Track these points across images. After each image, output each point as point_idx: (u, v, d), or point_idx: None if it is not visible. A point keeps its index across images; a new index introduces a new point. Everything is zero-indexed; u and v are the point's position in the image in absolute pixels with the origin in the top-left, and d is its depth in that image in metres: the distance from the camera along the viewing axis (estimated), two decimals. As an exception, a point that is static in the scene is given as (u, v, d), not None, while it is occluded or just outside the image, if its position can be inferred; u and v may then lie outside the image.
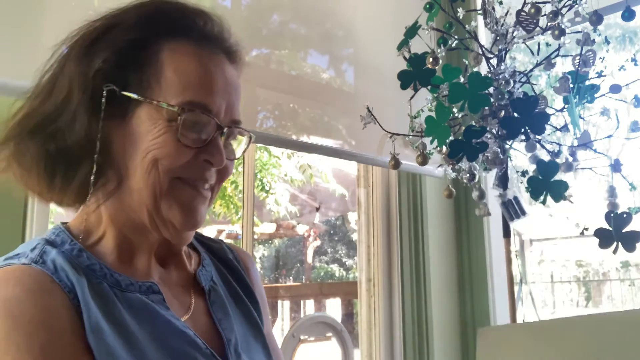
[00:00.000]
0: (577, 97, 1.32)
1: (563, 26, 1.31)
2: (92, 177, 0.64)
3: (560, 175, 1.27)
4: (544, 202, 1.25)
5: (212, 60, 0.69)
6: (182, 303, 0.72)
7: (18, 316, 0.55)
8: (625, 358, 0.63)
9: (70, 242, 0.65)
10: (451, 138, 1.31)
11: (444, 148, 1.39)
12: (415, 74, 1.41)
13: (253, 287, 0.83)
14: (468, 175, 1.43)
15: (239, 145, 0.75)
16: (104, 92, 0.64)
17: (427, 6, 1.44)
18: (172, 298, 0.71)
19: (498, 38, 1.41)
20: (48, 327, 0.56)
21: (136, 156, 0.65)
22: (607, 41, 1.41)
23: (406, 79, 1.42)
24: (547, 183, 1.25)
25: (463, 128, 1.35)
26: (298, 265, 10.56)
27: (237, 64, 0.74)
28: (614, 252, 1.21)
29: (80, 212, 0.70)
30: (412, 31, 1.44)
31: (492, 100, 1.35)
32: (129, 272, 0.67)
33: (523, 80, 1.40)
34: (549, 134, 1.38)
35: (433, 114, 1.32)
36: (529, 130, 1.30)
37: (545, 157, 1.35)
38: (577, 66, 1.33)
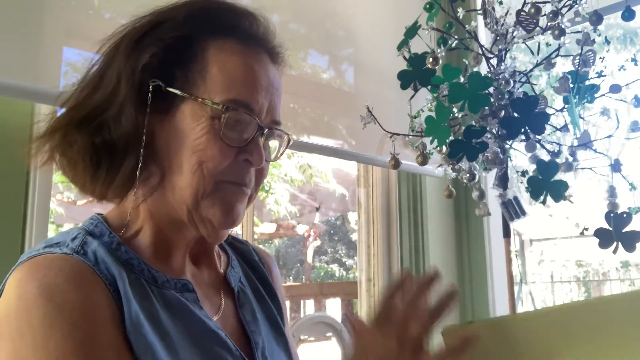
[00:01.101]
0: (577, 97, 1.32)
1: (563, 26, 1.31)
2: (137, 172, 0.65)
3: (560, 175, 1.27)
4: (544, 202, 1.25)
5: (257, 60, 0.70)
6: (213, 303, 0.72)
7: (61, 304, 0.56)
8: (586, 350, 0.63)
9: (109, 235, 0.65)
10: (451, 138, 1.31)
11: (444, 148, 1.39)
12: (415, 74, 1.41)
13: (276, 290, 0.84)
14: (468, 175, 1.43)
15: (276, 147, 0.75)
16: (150, 87, 0.65)
17: (427, 6, 1.44)
18: (203, 297, 0.71)
19: (498, 38, 1.41)
20: (91, 318, 0.56)
21: (180, 153, 0.66)
22: (607, 41, 1.41)
23: (406, 79, 1.42)
24: (547, 183, 1.25)
25: (463, 128, 1.35)
26: (298, 265, 10.56)
27: (280, 65, 0.75)
28: (614, 252, 1.21)
29: (118, 205, 0.70)
30: (412, 31, 1.44)
31: (492, 100, 1.35)
32: (164, 268, 0.67)
33: (523, 80, 1.40)
34: (549, 134, 1.38)
35: (433, 114, 1.32)
36: (529, 130, 1.30)
37: (545, 157, 1.35)
38: (577, 66, 1.33)
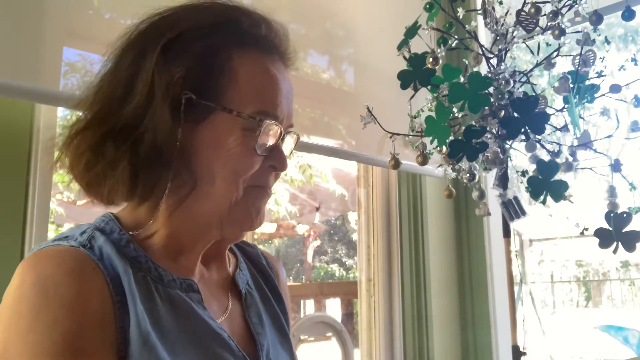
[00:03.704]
0: (577, 97, 1.32)
1: (563, 26, 1.31)
2: (168, 184, 0.65)
3: (560, 175, 1.27)
4: (544, 202, 1.25)
5: (276, 68, 0.72)
6: (220, 304, 0.73)
7: (52, 297, 0.56)
8: None
9: (119, 232, 0.66)
10: (451, 138, 1.31)
11: (444, 148, 1.38)
12: (415, 74, 1.41)
13: (282, 294, 0.85)
14: (468, 175, 1.43)
15: (288, 145, 0.77)
16: (183, 100, 0.65)
17: (427, 6, 1.44)
18: (210, 298, 0.72)
19: (498, 38, 1.41)
20: (76, 316, 0.57)
21: (213, 164, 0.67)
22: (607, 41, 1.41)
23: (406, 79, 1.42)
24: (547, 183, 1.25)
25: (463, 128, 1.35)
26: (298, 265, 10.56)
27: (290, 68, 0.76)
28: (614, 252, 1.21)
29: (133, 207, 0.70)
30: (412, 31, 1.44)
31: (492, 100, 1.35)
32: (171, 267, 0.68)
33: (523, 80, 1.40)
34: (549, 134, 1.38)
35: (433, 114, 1.32)
36: (529, 130, 1.30)
37: (545, 157, 1.35)
38: (577, 66, 1.33)
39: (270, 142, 0.69)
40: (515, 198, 1.44)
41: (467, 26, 1.42)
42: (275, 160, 0.71)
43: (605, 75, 1.34)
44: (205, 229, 0.70)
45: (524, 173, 1.44)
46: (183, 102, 0.65)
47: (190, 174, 0.67)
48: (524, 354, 1.45)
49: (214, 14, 0.69)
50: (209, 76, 0.67)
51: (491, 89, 1.34)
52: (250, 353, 0.71)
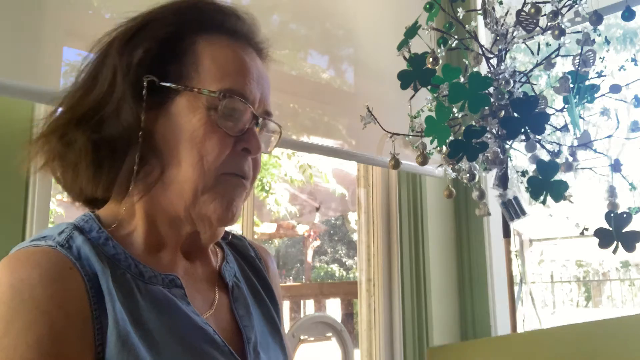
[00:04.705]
0: (577, 97, 1.32)
1: (563, 26, 1.31)
2: (135, 167, 0.65)
3: (560, 175, 1.27)
4: (544, 202, 1.25)
5: (246, 53, 0.72)
6: (206, 298, 0.72)
7: (26, 300, 0.55)
8: None
9: (98, 230, 0.65)
10: (451, 138, 1.31)
11: (444, 148, 1.38)
12: (415, 74, 1.41)
13: (272, 286, 0.84)
14: (468, 175, 1.43)
15: (269, 140, 0.77)
16: (145, 83, 0.66)
17: (427, 6, 1.44)
18: (195, 293, 0.70)
19: (498, 38, 1.41)
20: (52, 319, 0.55)
21: (179, 147, 0.66)
22: (607, 41, 1.41)
23: (406, 79, 1.42)
24: (547, 183, 1.25)
25: (463, 128, 1.35)
26: (298, 265, 10.56)
27: (265, 61, 0.77)
28: (614, 252, 1.21)
29: (113, 203, 0.70)
30: (412, 31, 1.44)
31: (492, 100, 1.35)
32: (153, 263, 0.67)
33: (523, 80, 1.40)
34: (549, 134, 1.38)
35: (433, 114, 1.32)
36: (529, 130, 1.30)
37: (545, 157, 1.35)
38: (577, 66, 1.33)
39: (241, 123, 0.68)
40: (515, 198, 1.44)
41: (467, 26, 1.42)
42: (247, 142, 0.69)
43: (605, 76, 1.34)
44: (176, 222, 0.69)
45: (524, 173, 1.44)
46: (145, 86, 0.66)
47: (158, 159, 0.67)
48: (524, 354, 1.45)
49: (180, 6, 0.71)
50: (172, 60, 0.68)
51: (491, 89, 1.34)
52: (237, 346, 0.70)
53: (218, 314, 0.71)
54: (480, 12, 1.45)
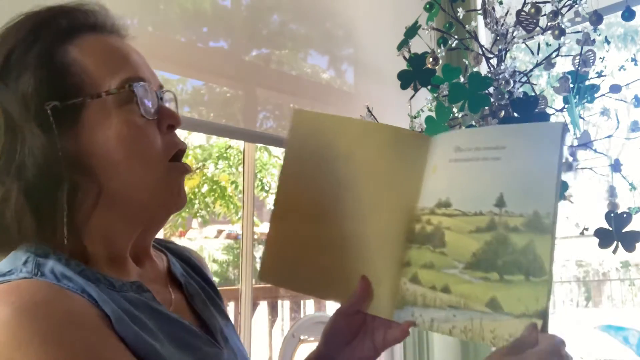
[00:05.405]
0: (577, 97, 1.32)
1: (563, 26, 1.31)
2: (64, 196, 0.61)
3: (560, 175, 1.27)
4: (544, 202, 1.25)
5: (114, 40, 0.70)
6: (164, 299, 0.71)
7: (48, 316, 0.52)
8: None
9: (55, 252, 0.61)
10: (477, 126, 1.31)
11: (444, 148, 1.38)
12: (415, 74, 1.41)
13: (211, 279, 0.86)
14: (468, 175, 1.43)
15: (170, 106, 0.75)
16: (49, 111, 0.62)
17: (427, 6, 1.45)
18: (155, 294, 0.70)
19: (498, 38, 1.41)
20: (81, 324, 0.54)
21: (112, 156, 0.64)
22: (607, 41, 1.41)
23: (406, 79, 1.42)
24: (547, 183, 1.25)
25: (463, 128, 1.35)
26: (298, 265, 10.54)
27: (127, 38, 0.74)
28: (614, 252, 1.21)
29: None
30: (412, 31, 1.44)
31: (492, 100, 1.35)
32: (116, 274, 0.66)
33: (523, 80, 1.40)
34: (549, 134, 1.38)
35: (433, 114, 1.32)
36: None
37: (545, 157, 1.35)
38: (577, 66, 1.33)
39: (152, 104, 0.67)
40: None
41: (467, 26, 1.42)
42: (167, 119, 0.68)
43: (605, 75, 1.34)
44: (130, 229, 0.68)
45: (524, 173, 1.43)
46: (50, 113, 0.62)
47: (91, 179, 0.63)
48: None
49: (30, 24, 0.67)
50: (58, 78, 0.64)
51: (491, 89, 1.34)
52: (209, 335, 0.71)
53: (179, 312, 0.71)
54: (480, 12, 1.45)
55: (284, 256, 0.82)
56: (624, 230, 1.21)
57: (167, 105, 0.71)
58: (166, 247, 0.84)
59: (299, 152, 0.83)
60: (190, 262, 0.85)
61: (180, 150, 0.70)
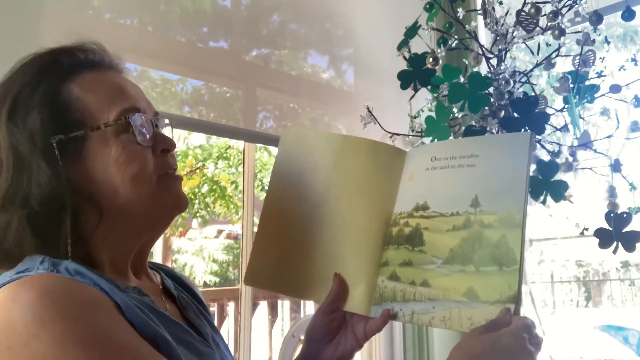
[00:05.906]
0: (577, 97, 1.32)
1: (563, 26, 1.31)
2: (68, 221, 0.67)
3: (560, 175, 1.27)
4: (544, 202, 1.25)
5: (112, 75, 0.77)
6: (161, 307, 0.77)
7: (71, 300, 0.58)
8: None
9: (66, 257, 0.68)
10: (451, 138, 1.31)
11: (444, 148, 1.38)
12: (415, 74, 1.41)
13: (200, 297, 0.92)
14: (468, 175, 1.43)
15: (169, 134, 0.82)
16: (54, 144, 0.69)
17: (427, 6, 1.44)
18: None
19: (498, 38, 1.41)
20: (104, 308, 0.60)
21: (111, 180, 0.71)
22: (607, 41, 1.41)
23: (406, 79, 1.42)
24: (547, 183, 1.25)
25: (463, 128, 1.35)
26: (298, 265, 10.53)
27: (124, 73, 0.81)
28: (614, 252, 1.21)
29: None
30: (412, 31, 1.44)
31: (492, 100, 1.35)
32: (118, 280, 0.71)
33: (523, 80, 1.40)
34: (549, 134, 1.38)
35: (433, 114, 1.32)
36: (529, 130, 1.30)
37: (545, 157, 1.35)
38: (577, 66, 1.33)
39: (148, 133, 0.74)
40: (515, 198, 1.43)
41: (467, 26, 1.42)
42: (162, 144, 0.76)
43: (605, 76, 1.34)
44: (133, 242, 0.75)
45: (524, 173, 1.43)
46: (55, 147, 0.68)
47: (93, 203, 0.70)
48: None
49: (35, 66, 0.73)
50: (62, 115, 0.70)
51: (491, 89, 1.34)
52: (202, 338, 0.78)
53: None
54: (480, 12, 1.45)
55: (268, 260, 0.89)
56: (624, 230, 1.21)
57: (162, 130, 0.79)
58: (159, 268, 0.92)
59: (286, 165, 0.92)
60: (180, 281, 0.92)
61: (172, 170, 0.78)
